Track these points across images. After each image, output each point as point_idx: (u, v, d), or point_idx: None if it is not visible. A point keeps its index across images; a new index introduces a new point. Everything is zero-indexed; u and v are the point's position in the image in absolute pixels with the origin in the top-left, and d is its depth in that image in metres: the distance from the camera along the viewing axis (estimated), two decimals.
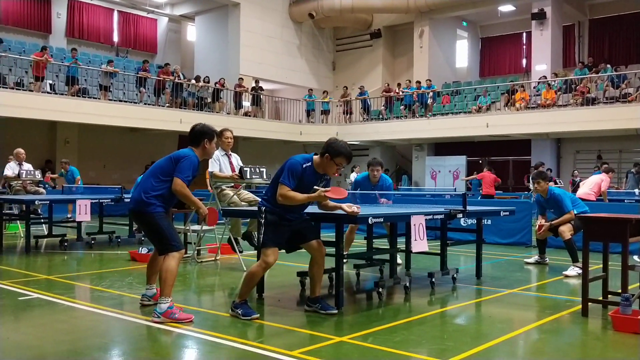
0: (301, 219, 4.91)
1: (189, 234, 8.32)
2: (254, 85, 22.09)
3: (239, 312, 4.71)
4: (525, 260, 8.29)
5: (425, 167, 23.00)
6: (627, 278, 4.80)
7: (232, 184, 7.60)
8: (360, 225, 7.99)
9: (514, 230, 10.38)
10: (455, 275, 6.41)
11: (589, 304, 4.89)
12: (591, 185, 11.26)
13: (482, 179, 16.17)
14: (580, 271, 6.70)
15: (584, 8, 23.19)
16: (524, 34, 24.63)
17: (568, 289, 6.54)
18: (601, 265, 5.24)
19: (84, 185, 14.24)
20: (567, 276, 7.06)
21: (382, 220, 5.25)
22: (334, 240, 5.08)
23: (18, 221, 11.21)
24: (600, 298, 5.11)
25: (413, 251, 5.51)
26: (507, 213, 7.12)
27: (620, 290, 4.81)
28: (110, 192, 11.05)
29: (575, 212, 7.42)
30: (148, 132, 19.93)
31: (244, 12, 22.89)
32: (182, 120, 18.53)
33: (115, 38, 23.97)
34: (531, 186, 14.68)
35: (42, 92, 16.75)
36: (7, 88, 16.27)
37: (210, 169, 7.55)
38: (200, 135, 4.95)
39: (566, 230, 7.35)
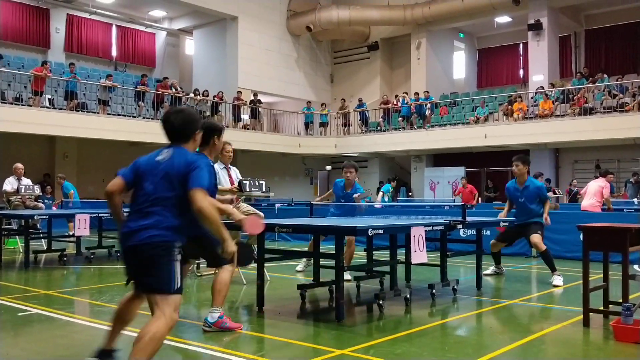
0: None
1: None
2: (252, 98, 22.15)
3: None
4: (484, 272, 8.13)
5: (424, 179, 23.01)
6: (627, 287, 4.79)
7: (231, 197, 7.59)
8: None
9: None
10: (455, 287, 6.40)
11: (590, 313, 4.88)
12: (593, 194, 11.15)
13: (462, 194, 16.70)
14: (561, 278, 7.15)
15: (579, 19, 23.34)
16: (521, 45, 24.73)
17: (569, 299, 6.52)
18: (602, 275, 5.23)
19: (81, 200, 14.20)
20: (556, 286, 7.11)
21: (382, 231, 5.25)
22: (334, 252, 5.07)
23: (17, 236, 11.18)
24: (602, 308, 5.10)
25: (413, 263, 5.51)
26: (507, 224, 7.13)
27: (621, 300, 4.80)
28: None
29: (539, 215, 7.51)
30: (147, 145, 19.86)
31: (242, 25, 23.00)
32: None
33: (114, 52, 24.05)
34: None
35: (41, 106, 16.78)
36: (6, 103, 16.29)
37: None
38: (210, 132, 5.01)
39: (539, 242, 7.36)
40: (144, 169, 3.52)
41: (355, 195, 7.76)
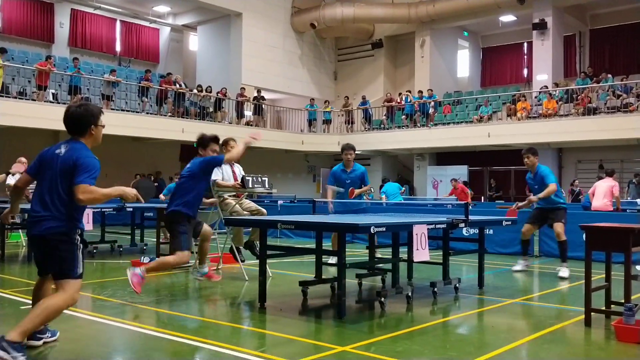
0: None
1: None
2: (255, 94, 22.16)
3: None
4: (513, 269, 8.27)
5: (427, 177, 23.00)
6: (630, 288, 4.79)
7: (235, 193, 7.60)
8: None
9: (516, 239, 10.29)
10: (457, 285, 6.40)
11: (592, 313, 4.88)
12: (604, 194, 11.04)
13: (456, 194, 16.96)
14: (568, 270, 7.52)
15: (584, 18, 23.28)
16: (525, 44, 24.71)
17: (571, 298, 6.52)
18: (604, 275, 5.23)
19: None
20: (562, 278, 7.41)
21: (384, 229, 5.24)
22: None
23: (20, 230, 11.20)
24: (603, 308, 5.10)
25: (415, 260, 5.50)
26: (510, 223, 7.12)
27: (623, 300, 4.80)
28: (112, 202, 11.04)
29: (561, 202, 7.94)
30: (150, 141, 19.97)
31: (246, 22, 23.00)
32: (184, 129, 18.58)
33: (118, 48, 24.08)
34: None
35: (44, 101, 16.81)
36: (9, 97, 16.33)
37: (213, 178, 7.56)
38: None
39: (562, 232, 7.66)
40: (47, 161, 3.84)
41: (357, 191, 8.01)
